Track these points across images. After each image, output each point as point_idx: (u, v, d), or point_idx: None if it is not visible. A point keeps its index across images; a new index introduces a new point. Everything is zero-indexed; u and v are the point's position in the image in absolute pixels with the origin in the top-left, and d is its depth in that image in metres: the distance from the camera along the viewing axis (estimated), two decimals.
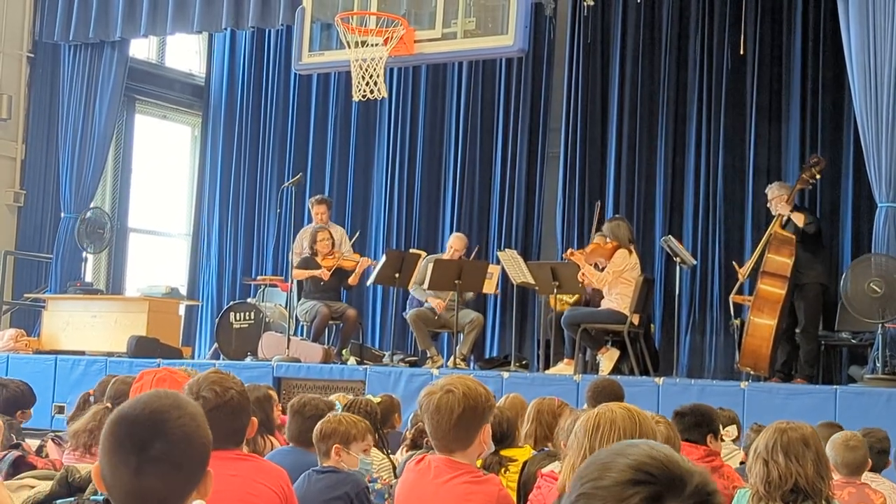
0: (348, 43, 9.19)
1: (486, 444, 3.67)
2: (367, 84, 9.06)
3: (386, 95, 9.80)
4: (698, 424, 5.16)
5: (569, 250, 9.89)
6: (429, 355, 10.29)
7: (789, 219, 9.04)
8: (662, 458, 1.38)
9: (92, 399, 5.36)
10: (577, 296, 9.94)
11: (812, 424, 3.78)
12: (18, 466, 4.57)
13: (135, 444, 2.08)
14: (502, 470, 5.10)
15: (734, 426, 6.52)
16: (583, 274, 9.49)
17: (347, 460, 4.48)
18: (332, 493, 4.30)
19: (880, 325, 8.10)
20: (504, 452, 5.26)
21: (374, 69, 9.06)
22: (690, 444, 4.98)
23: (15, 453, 4.74)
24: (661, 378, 8.55)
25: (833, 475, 3.88)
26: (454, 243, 10.75)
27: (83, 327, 11.20)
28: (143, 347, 10.45)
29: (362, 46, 9.15)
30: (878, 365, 8.11)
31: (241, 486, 3.39)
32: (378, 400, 6.23)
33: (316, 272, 10.52)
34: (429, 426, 3.55)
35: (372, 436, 4.92)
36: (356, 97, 9.29)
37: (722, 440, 5.69)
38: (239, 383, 3.52)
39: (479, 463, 4.88)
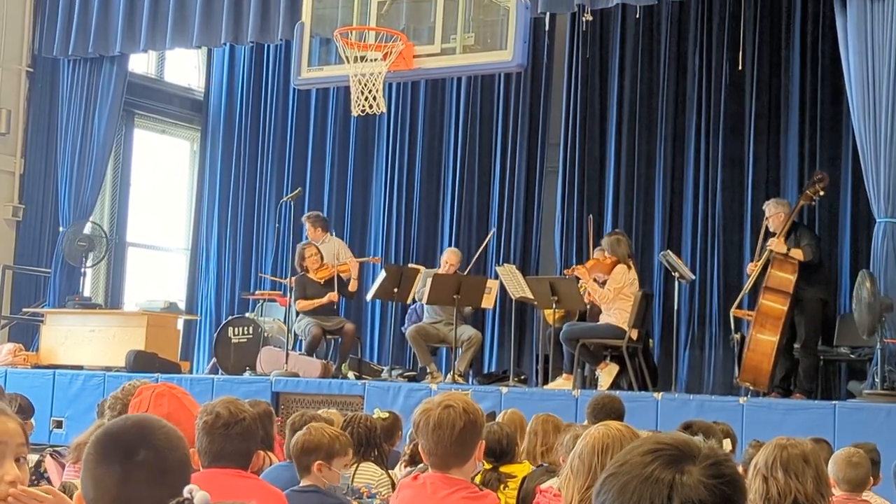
0: (347, 58, 9.19)
1: (479, 461, 3.67)
2: (366, 99, 9.05)
3: (385, 110, 9.78)
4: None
5: (571, 267, 9.90)
6: (428, 371, 10.27)
7: (790, 234, 8.96)
8: (675, 436, 1.66)
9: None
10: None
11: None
12: None
13: (120, 453, 2.10)
14: (501, 486, 5.09)
15: (728, 440, 6.50)
16: (588, 294, 9.49)
17: (329, 476, 4.36)
18: None
19: (879, 341, 8.09)
20: (503, 468, 5.25)
21: (373, 84, 9.06)
22: None
23: None
24: (660, 393, 8.54)
25: (834, 491, 3.87)
26: (449, 258, 10.74)
27: (81, 342, 11.19)
28: (142, 362, 10.43)
29: (361, 61, 9.15)
30: (877, 380, 8.09)
31: None
32: (385, 415, 6.21)
33: (323, 300, 10.45)
34: (428, 443, 3.50)
35: (354, 451, 4.86)
36: (355, 112, 9.28)
37: None
38: (253, 413, 3.61)
39: (477, 479, 4.88)
